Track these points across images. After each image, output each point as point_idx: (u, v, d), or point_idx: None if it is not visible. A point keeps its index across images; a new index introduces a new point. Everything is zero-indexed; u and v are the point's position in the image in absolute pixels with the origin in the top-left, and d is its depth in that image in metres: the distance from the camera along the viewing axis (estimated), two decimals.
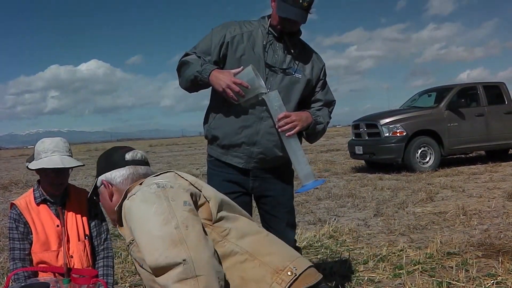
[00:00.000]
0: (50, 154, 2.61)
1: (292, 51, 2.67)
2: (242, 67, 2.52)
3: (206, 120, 2.81)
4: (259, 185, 2.74)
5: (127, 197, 1.77)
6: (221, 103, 2.66)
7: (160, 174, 1.89)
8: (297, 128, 2.55)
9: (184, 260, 1.51)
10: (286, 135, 2.54)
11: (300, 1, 2.47)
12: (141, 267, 1.77)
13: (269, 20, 2.67)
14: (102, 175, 2.02)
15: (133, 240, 1.74)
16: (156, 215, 1.62)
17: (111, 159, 2.06)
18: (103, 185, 2.01)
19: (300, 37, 2.78)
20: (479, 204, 6.75)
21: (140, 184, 1.84)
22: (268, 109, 2.55)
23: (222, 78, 2.47)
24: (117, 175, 1.99)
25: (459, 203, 6.62)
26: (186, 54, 2.69)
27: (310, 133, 2.73)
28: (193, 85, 2.65)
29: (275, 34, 2.65)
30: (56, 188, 2.67)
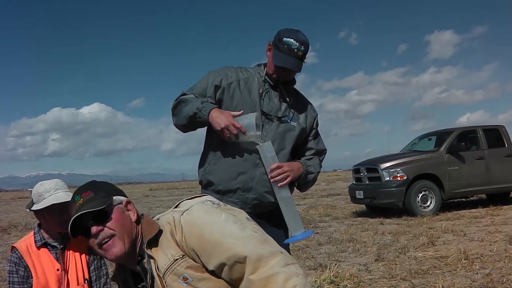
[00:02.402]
0: (54, 192, 2.63)
1: (288, 99, 2.74)
2: (242, 111, 2.57)
3: (201, 165, 2.84)
4: None
5: (181, 213, 1.80)
6: (216, 148, 2.71)
7: (197, 196, 1.95)
8: (289, 179, 2.60)
9: (280, 251, 1.69)
10: (278, 185, 2.58)
11: (295, 50, 2.56)
12: (189, 284, 1.77)
13: (265, 68, 2.74)
14: (117, 196, 1.96)
15: (183, 256, 1.76)
16: (229, 223, 1.73)
17: (114, 186, 2.06)
18: (122, 204, 1.96)
19: (295, 85, 2.86)
20: (480, 248, 6.69)
21: (176, 206, 1.91)
22: (261, 159, 2.60)
23: (222, 118, 2.51)
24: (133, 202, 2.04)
25: (460, 247, 6.58)
26: (183, 94, 2.73)
27: (301, 183, 2.79)
28: (190, 122, 2.66)
29: (271, 83, 2.72)
30: (64, 226, 2.67)
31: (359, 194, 12.04)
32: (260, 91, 2.69)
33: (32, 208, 2.67)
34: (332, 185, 31.27)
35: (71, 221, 1.85)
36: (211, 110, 2.55)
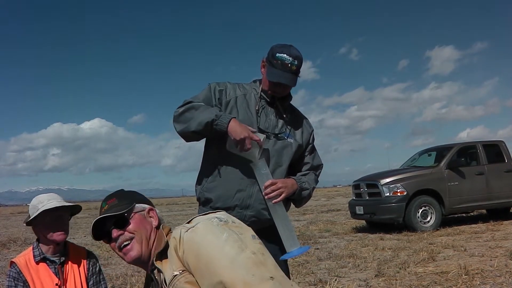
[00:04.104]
0: (47, 203, 2.66)
1: (284, 116, 2.76)
2: (256, 130, 2.57)
3: (198, 182, 2.83)
4: None
5: (187, 230, 1.81)
6: (214, 166, 2.71)
7: (211, 212, 1.96)
8: (283, 195, 2.61)
9: (271, 277, 1.65)
10: (273, 202, 2.59)
11: (289, 65, 2.58)
12: None
13: (260, 85, 2.76)
14: (140, 204, 2.06)
15: (183, 271, 1.78)
16: (229, 242, 1.72)
17: (141, 195, 2.14)
18: (144, 211, 2.04)
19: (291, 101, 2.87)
20: (481, 263, 6.66)
21: (188, 222, 1.90)
22: (255, 177, 2.61)
23: (244, 128, 2.48)
24: (157, 211, 2.10)
25: (461, 263, 6.55)
26: (189, 102, 2.65)
27: (296, 199, 2.80)
28: (204, 129, 2.55)
29: (267, 99, 2.73)
30: (58, 237, 2.67)
31: (359, 210, 12.01)
32: (257, 108, 2.70)
33: (26, 221, 2.70)
34: (332, 201, 31.22)
35: (92, 224, 1.98)
36: (231, 119, 2.51)
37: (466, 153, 12.45)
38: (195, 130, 2.58)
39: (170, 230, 2.02)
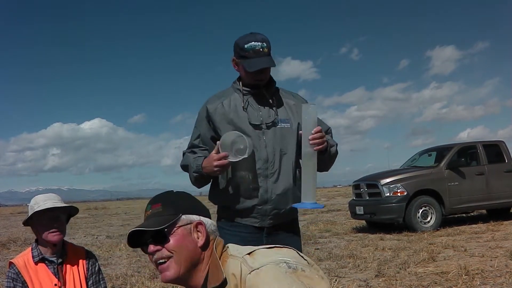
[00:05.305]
0: (42, 203, 2.65)
1: (272, 102, 2.74)
2: (218, 142, 2.56)
3: (212, 190, 2.82)
4: (271, 241, 2.72)
5: (250, 271, 1.60)
6: (223, 175, 2.70)
7: (276, 247, 1.76)
8: (325, 144, 2.55)
9: None
10: (315, 148, 2.50)
11: (261, 50, 2.60)
12: None
13: (240, 82, 2.76)
14: (188, 215, 1.79)
15: None
16: None
17: (200, 203, 1.88)
18: (191, 225, 1.78)
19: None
20: (481, 263, 6.66)
21: (250, 254, 1.69)
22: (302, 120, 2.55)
23: (208, 164, 2.54)
24: (209, 222, 1.83)
25: (461, 263, 6.54)
26: (183, 154, 2.83)
27: (326, 158, 2.70)
28: (201, 181, 2.73)
29: (252, 91, 2.72)
30: (53, 238, 2.66)
31: (359, 210, 12.00)
32: (243, 106, 2.69)
33: (24, 221, 2.70)
34: (332, 201, 31.20)
35: (128, 234, 1.77)
36: (201, 165, 2.60)
37: (466, 153, 12.45)
38: (198, 186, 2.78)
39: (223, 249, 1.80)
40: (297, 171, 2.75)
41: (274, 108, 2.73)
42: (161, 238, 1.73)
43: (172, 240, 1.72)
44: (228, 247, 1.80)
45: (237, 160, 2.50)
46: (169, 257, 1.72)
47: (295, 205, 2.66)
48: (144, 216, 1.83)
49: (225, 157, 2.48)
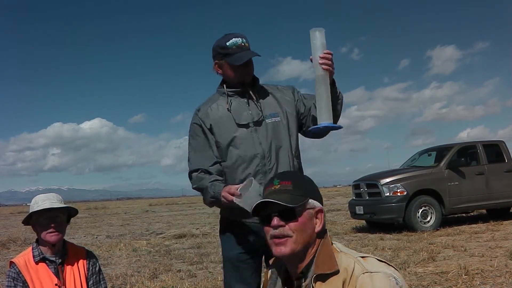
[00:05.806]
0: (41, 203, 2.66)
1: (256, 98, 2.75)
2: (250, 178, 2.48)
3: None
4: None
5: (364, 271, 1.70)
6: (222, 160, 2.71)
7: (385, 262, 1.83)
8: (333, 68, 2.48)
9: None
10: (324, 67, 2.45)
11: (243, 44, 2.63)
12: None
13: (224, 85, 2.78)
14: (313, 200, 1.88)
15: None
16: None
17: (316, 186, 1.97)
18: (314, 210, 1.87)
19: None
20: (481, 263, 6.66)
21: (363, 258, 1.79)
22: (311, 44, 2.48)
23: (225, 197, 2.50)
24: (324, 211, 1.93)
25: (461, 263, 6.55)
26: (190, 174, 2.77)
27: (335, 100, 2.59)
28: (219, 204, 2.65)
29: (238, 91, 2.74)
30: (51, 238, 2.66)
31: (359, 210, 12.00)
32: (227, 107, 2.71)
33: (22, 220, 2.71)
34: (332, 201, 31.20)
35: (258, 202, 1.85)
36: (221, 193, 2.54)
37: (466, 153, 12.45)
38: (211, 206, 2.74)
39: (331, 243, 1.87)
40: (295, 162, 2.75)
41: (261, 104, 2.74)
42: (289, 215, 1.80)
43: (298, 221, 1.80)
44: (334, 242, 1.89)
45: (238, 205, 2.42)
46: (288, 236, 1.79)
47: (311, 128, 2.62)
48: (269, 189, 1.90)
49: (234, 195, 2.43)
